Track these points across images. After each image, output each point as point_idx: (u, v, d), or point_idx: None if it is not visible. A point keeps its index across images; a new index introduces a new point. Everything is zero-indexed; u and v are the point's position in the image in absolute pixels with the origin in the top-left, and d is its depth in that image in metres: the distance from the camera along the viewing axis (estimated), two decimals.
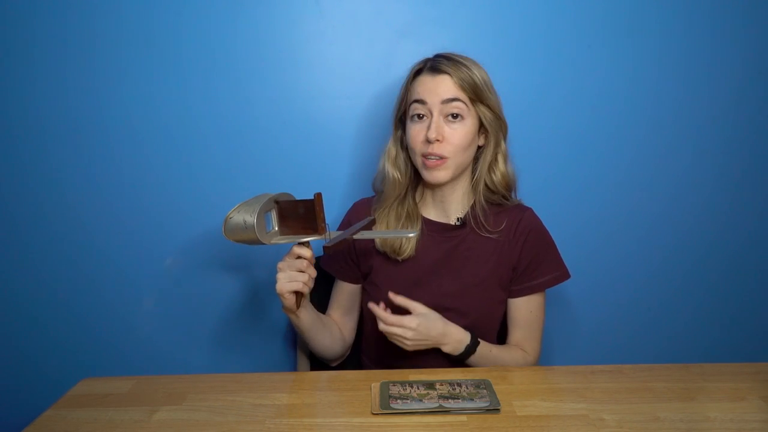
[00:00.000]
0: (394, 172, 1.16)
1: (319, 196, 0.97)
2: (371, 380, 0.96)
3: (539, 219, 1.19)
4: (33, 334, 1.45)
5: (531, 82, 1.39)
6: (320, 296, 1.30)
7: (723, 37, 1.39)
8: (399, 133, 1.18)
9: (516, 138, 1.41)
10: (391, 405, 0.87)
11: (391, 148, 1.18)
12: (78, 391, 0.96)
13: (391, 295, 1.06)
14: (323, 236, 0.99)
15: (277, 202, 1.01)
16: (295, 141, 1.39)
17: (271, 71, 1.37)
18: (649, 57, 1.39)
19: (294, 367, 1.39)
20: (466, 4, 1.35)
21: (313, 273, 1.03)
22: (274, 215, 1.01)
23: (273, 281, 1.44)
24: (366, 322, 1.24)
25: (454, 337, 1.07)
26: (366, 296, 1.21)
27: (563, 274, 1.18)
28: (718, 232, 1.49)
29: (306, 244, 1.01)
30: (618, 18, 1.37)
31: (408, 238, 1.13)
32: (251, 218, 0.94)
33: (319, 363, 1.30)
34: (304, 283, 1.01)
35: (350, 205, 1.27)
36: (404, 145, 1.17)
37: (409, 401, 0.88)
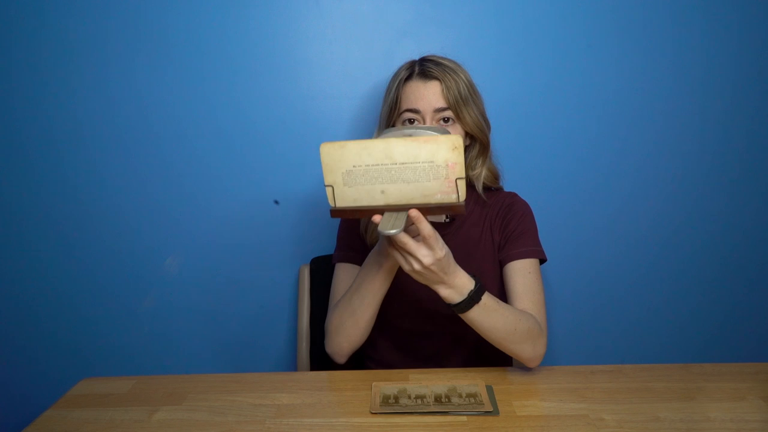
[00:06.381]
0: None
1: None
2: (371, 380, 0.96)
3: (526, 202, 1.18)
4: (33, 334, 1.45)
5: (529, 80, 1.39)
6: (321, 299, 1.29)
7: (719, 35, 1.39)
8: None
9: (514, 135, 1.41)
10: (391, 405, 0.87)
11: None
12: (78, 391, 0.96)
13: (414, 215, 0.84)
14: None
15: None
16: (294, 141, 1.40)
17: (271, 71, 1.37)
18: (645, 56, 1.39)
19: (294, 367, 1.39)
20: (466, 4, 1.36)
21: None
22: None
23: (274, 282, 1.46)
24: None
25: (458, 280, 0.90)
26: None
27: (539, 252, 1.13)
28: (717, 230, 1.49)
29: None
30: (616, 17, 1.37)
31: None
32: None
33: (319, 363, 1.30)
34: None
35: None
36: None
37: (409, 401, 0.88)
